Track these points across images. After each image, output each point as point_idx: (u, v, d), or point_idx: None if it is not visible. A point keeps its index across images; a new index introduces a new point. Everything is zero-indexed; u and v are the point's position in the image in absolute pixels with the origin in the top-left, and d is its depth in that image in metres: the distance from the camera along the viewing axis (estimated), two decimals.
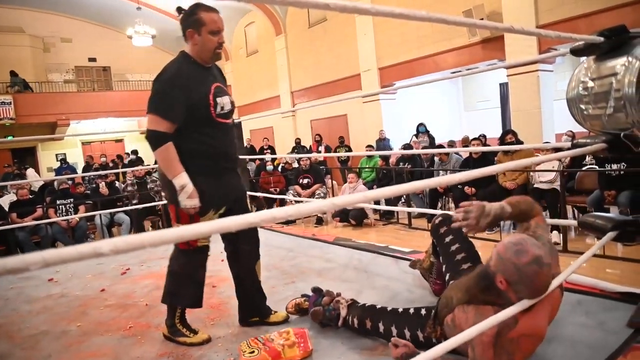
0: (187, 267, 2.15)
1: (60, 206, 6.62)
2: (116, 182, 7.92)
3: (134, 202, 7.02)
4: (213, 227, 0.74)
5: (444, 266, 2.03)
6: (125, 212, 6.68)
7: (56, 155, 15.70)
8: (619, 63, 1.69)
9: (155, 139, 1.93)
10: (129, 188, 7.53)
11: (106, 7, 15.70)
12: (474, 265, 1.92)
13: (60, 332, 2.42)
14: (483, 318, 1.38)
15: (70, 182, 7.41)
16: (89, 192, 7.50)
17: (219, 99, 2.06)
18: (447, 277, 1.96)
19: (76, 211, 6.62)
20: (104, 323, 2.50)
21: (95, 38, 17.34)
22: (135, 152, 13.94)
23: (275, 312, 2.33)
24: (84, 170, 11.69)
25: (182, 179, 1.92)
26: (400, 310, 1.86)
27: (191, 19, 1.99)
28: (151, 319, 2.49)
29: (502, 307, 1.41)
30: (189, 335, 2.13)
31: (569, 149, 1.96)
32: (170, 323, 2.17)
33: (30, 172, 11.64)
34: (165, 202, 6.40)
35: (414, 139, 9.33)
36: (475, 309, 1.53)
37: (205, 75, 2.07)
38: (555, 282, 1.45)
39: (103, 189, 7.14)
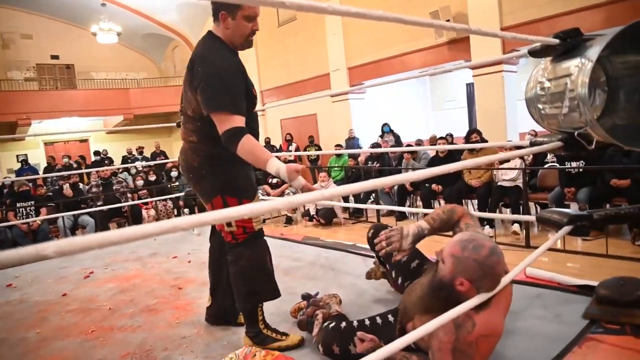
0: (255, 257, 1.96)
1: (21, 209, 6.40)
2: (80, 183, 7.70)
3: (99, 203, 6.85)
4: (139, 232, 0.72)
5: (393, 272, 2.04)
6: (89, 214, 6.51)
7: (17, 156, 15.13)
8: (573, 64, 1.75)
9: (233, 136, 1.75)
10: (94, 189, 7.34)
11: (69, 3, 15.22)
12: (422, 261, 1.97)
13: (18, 339, 2.34)
14: (440, 341, 1.42)
15: (31, 184, 7.16)
16: (51, 193, 7.27)
17: (254, 89, 1.99)
18: (399, 281, 1.98)
19: (37, 214, 6.41)
20: (65, 328, 2.43)
21: (58, 35, 16.78)
22: (105, 152, 13.62)
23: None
24: (46, 171, 11.31)
25: (275, 163, 1.75)
26: (368, 322, 1.77)
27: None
28: (114, 322, 2.43)
29: (457, 328, 1.43)
30: (282, 338, 1.96)
31: (527, 147, 2.02)
32: (254, 332, 1.97)
33: None
34: (129, 203, 6.21)
35: (379, 139, 9.43)
36: (433, 317, 1.47)
37: (241, 63, 1.93)
38: (508, 276, 1.49)
39: (67, 190, 6.94)
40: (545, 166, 5.57)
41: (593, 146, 1.79)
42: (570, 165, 5.02)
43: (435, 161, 6.33)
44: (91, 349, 2.13)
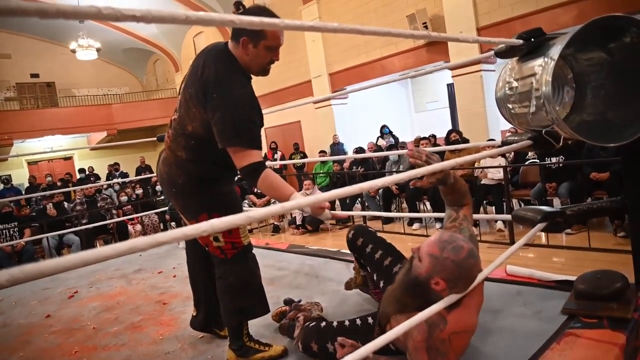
0: (244, 273, 1.93)
1: (4, 231, 6.31)
2: (64, 202, 7.62)
3: (84, 221, 6.78)
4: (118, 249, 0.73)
5: (374, 275, 2.04)
6: (74, 232, 6.44)
7: (0, 176, 14.93)
8: (537, 64, 1.79)
9: (254, 172, 1.71)
10: (78, 207, 7.27)
11: (47, 21, 15.07)
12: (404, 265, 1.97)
13: None
14: (415, 340, 1.45)
15: (13, 204, 7.06)
16: (34, 214, 7.18)
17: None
18: (381, 285, 1.99)
19: (21, 235, 6.33)
20: (48, 350, 2.40)
21: (37, 53, 16.65)
22: (90, 168, 13.51)
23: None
24: (28, 191, 11.17)
25: (297, 198, 1.70)
26: (347, 323, 1.78)
27: (252, 29, 1.75)
28: (98, 341, 2.41)
29: (430, 326, 1.45)
30: (265, 349, 1.93)
31: (499, 146, 2.05)
32: (237, 345, 1.94)
33: None
34: (111, 219, 6.16)
35: (381, 140, 9.49)
36: (408, 316, 1.44)
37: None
38: (482, 275, 1.51)
39: (50, 210, 6.86)
40: (526, 163, 5.65)
41: (561, 143, 1.82)
42: (550, 160, 5.09)
43: None
44: None
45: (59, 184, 11.24)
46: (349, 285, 2.42)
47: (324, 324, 1.84)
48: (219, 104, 1.71)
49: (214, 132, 1.74)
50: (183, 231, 0.78)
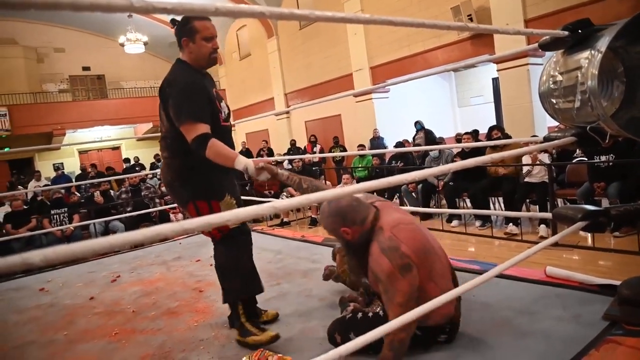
0: (229, 256, 2.14)
1: (55, 216, 6.64)
2: (111, 190, 7.94)
3: (128, 209, 7.04)
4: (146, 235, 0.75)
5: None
6: (119, 219, 6.70)
7: (53, 164, 15.72)
8: (583, 56, 1.71)
9: (200, 142, 1.94)
10: (123, 195, 7.55)
11: (98, 16, 15.67)
12: None
13: (47, 342, 2.43)
14: (374, 257, 1.66)
15: (64, 191, 7.42)
16: (83, 200, 7.51)
17: (221, 104, 2.16)
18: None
19: (71, 220, 6.64)
20: (91, 331, 2.51)
21: (89, 47, 17.34)
22: (136, 158, 14.02)
23: (265, 311, 2.36)
24: (78, 178, 11.70)
25: (241, 161, 1.96)
26: (371, 314, 1.82)
27: (185, 28, 2.05)
28: (136, 325, 2.50)
29: (373, 239, 1.69)
30: (257, 334, 2.08)
31: (541, 142, 1.98)
32: (237, 324, 2.14)
33: (31, 183, 11.67)
34: (160, 208, 6.36)
35: (419, 135, 9.36)
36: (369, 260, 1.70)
37: (207, 81, 2.15)
38: (498, 269, 1.46)
39: (98, 197, 7.16)
40: (573, 161, 5.41)
41: (607, 141, 1.73)
42: (600, 159, 4.86)
43: (460, 159, 6.24)
44: (113, 350, 2.20)
45: (106, 173, 11.71)
46: (327, 277, 2.51)
47: (350, 315, 1.88)
48: (170, 94, 2.00)
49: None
50: (207, 220, 0.79)
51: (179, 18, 2.09)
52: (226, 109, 2.20)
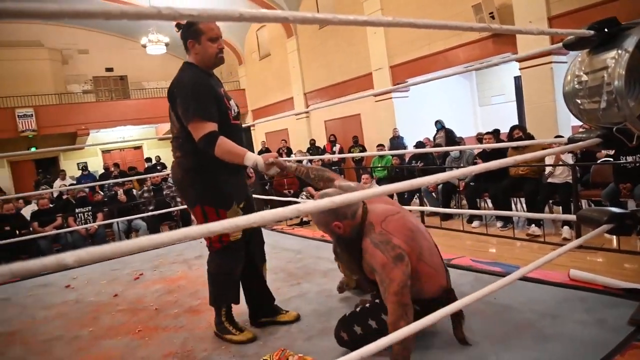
0: (224, 266, 2.21)
1: (79, 214, 6.79)
2: (133, 189, 8.08)
3: (150, 208, 7.15)
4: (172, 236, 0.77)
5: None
6: (142, 218, 6.82)
7: (78, 164, 16.06)
8: (609, 56, 1.68)
9: (208, 141, 1.98)
10: (145, 194, 7.67)
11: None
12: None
13: (73, 337, 2.50)
14: (368, 252, 1.73)
15: (88, 190, 7.58)
16: (106, 199, 7.66)
17: (231, 102, 2.20)
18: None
19: (94, 218, 6.78)
20: (115, 327, 2.57)
21: (111, 48, 17.68)
22: (158, 158, 14.24)
23: (287, 311, 2.37)
24: (102, 177, 11.93)
25: (250, 157, 2.01)
26: (368, 305, 1.93)
27: (190, 31, 2.10)
28: (159, 322, 2.55)
29: (365, 236, 1.76)
30: (235, 333, 2.18)
31: (565, 144, 1.95)
32: (217, 321, 2.24)
33: (57, 182, 11.97)
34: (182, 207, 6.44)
35: (439, 134, 9.32)
36: (363, 255, 1.78)
37: (214, 81, 2.18)
38: (517, 272, 1.45)
39: (121, 196, 7.29)
40: (599, 161, 5.30)
41: (634, 142, 1.70)
42: (626, 159, 4.75)
43: (481, 158, 6.17)
44: (137, 347, 2.24)
45: (128, 172, 11.92)
46: (341, 290, 2.55)
47: (350, 311, 1.96)
48: (178, 94, 2.04)
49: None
50: (235, 222, 0.80)
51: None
52: (236, 108, 2.24)
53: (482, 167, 1.38)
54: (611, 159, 5.11)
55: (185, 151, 2.14)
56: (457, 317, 1.82)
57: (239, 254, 2.23)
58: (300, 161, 7.49)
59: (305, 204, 0.92)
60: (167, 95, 2.14)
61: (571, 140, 1.89)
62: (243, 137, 2.34)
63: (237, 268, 2.23)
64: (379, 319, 1.81)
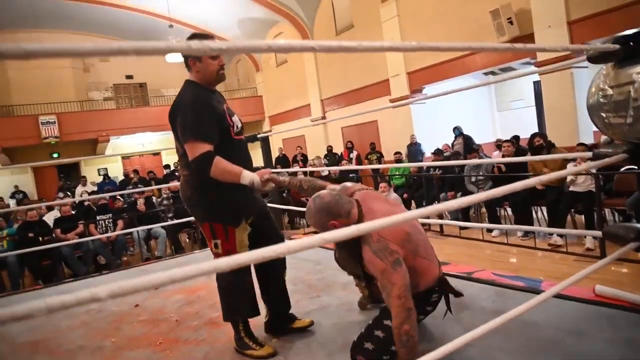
0: (234, 281, 2.20)
1: (100, 221, 6.90)
2: (152, 197, 8.18)
3: (169, 215, 7.23)
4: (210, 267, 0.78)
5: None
6: (161, 225, 6.89)
7: (98, 170, 16.35)
8: (636, 71, 1.65)
9: (203, 161, 1.99)
10: (165, 202, 7.76)
11: (140, 27, 16.29)
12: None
13: (96, 347, 2.53)
14: (367, 259, 1.78)
15: (108, 197, 7.70)
16: (126, 206, 7.77)
17: (233, 118, 2.19)
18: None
19: (115, 225, 6.88)
20: (136, 338, 2.60)
21: (131, 56, 17.94)
22: (176, 164, 14.39)
23: (300, 319, 2.40)
24: (122, 183, 12.11)
25: (247, 176, 2.03)
26: (371, 322, 1.98)
27: None
28: (180, 334, 2.57)
29: (363, 243, 1.80)
30: (256, 348, 2.17)
31: (590, 159, 1.91)
32: (237, 337, 2.24)
33: (78, 188, 12.19)
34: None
35: (457, 141, 9.27)
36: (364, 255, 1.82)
37: (216, 98, 2.19)
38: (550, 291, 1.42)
39: (141, 206, 7.38)
40: (622, 169, 5.19)
41: None
42: None
43: (500, 167, 6.10)
44: None
45: (147, 179, 12.07)
46: (363, 305, 2.54)
47: (360, 333, 1.99)
48: (178, 114, 2.06)
49: None
50: (262, 253, 0.81)
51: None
52: (239, 123, 2.24)
53: (508, 188, 1.35)
54: (635, 167, 5.00)
55: (192, 169, 2.14)
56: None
57: (248, 268, 2.24)
58: (295, 173, 7.52)
59: (332, 233, 0.92)
60: (168, 116, 2.13)
61: (596, 156, 1.86)
62: (248, 151, 2.34)
63: (247, 278, 2.23)
64: (383, 327, 1.85)
